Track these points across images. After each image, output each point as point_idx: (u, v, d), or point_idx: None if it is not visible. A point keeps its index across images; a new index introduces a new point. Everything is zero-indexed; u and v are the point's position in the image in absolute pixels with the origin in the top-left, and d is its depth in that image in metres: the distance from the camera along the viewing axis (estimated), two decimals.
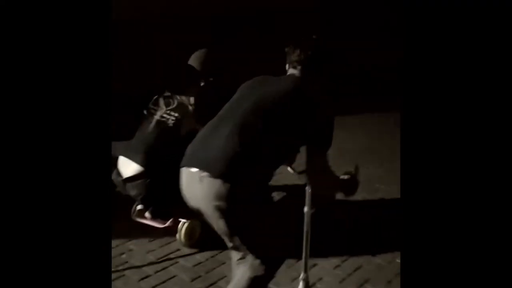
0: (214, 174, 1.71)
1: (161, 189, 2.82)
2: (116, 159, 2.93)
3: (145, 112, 3.01)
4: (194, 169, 1.79)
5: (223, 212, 1.74)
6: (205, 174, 1.74)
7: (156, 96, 3.00)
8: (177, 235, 2.95)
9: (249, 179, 1.76)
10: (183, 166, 1.86)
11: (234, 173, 1.72)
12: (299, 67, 1.97)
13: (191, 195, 1.86)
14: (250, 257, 1.85)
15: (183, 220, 2.93)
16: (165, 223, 2.96)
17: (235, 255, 1.96)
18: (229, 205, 1.71)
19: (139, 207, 3.02)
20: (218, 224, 1.81)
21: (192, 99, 2.89)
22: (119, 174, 2.91)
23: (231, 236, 1.83)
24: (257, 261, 1.83)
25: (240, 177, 1.74)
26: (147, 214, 3.02)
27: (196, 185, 1.78)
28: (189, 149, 1.90)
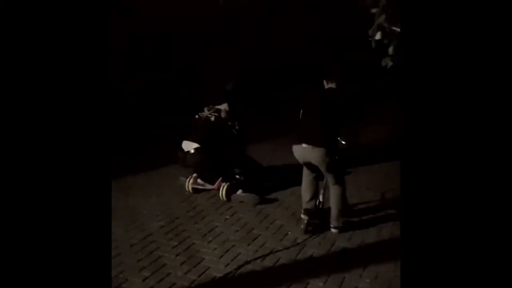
0: (318, 146, 3.74)
1: (209, 161, 4.66)
2: (181, 142, 4.79)
3: (197, 116, 4.88)
4: (306, 145, 3.78)
5: (325, 161, 3.75)
6: (312, 146, 3.75)
7: (203, 107, 4.95)
8: (220, 193, 4.63)
9: (331, 146, 3.76)
10: (298, 144, 3.83)
11: (325, 144, 3.72)
12: (334, 83, 3.97)
13: (306, 158, 3.85)
14: (334, 180, 3.92)
15: (223, 184, 4.66)
16: (212, 186, 4.74)
17: (313, 175, 4.05)
18: (327, 158, 3.73)
19: (194, 175, 4.77)
20: (322, 167, 3.82)
21: (225, 105, 4.78)
22: (183, 150, 4.73)
23: (327, 171, 3.85)
24: (338, 182, 3.92)
25: (327, 146, 3.73)
26: (199, 180, 4.80)
27: (309, 152, 3.78)
28: (298, 136, 3.85)
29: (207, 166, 4.68)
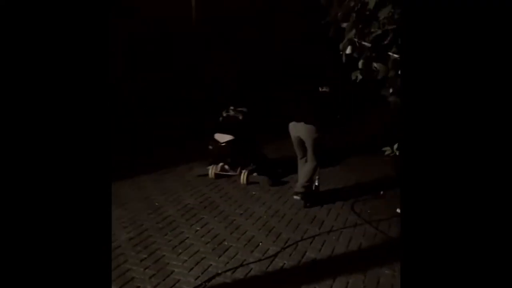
0: (309, 124, 4.64)
1: (237, 151, 5.69)
2: (213, 135, 5.81)
3: (225, 114, 5.96)
4: (300, 122, 4.70)
5: (311, 137, 4.64)
6: (304, 123, 4.65)
7: (229, 107, 6.06)
8: (241, 178, 5.57)
9: (318, 127, 4.62)
10: (293, 122, 4.78)
11: (314, 124, 4.60)
12: (326, 88, 4.81)
13: (298, 132, 4.76)
14: (312, 157, 4.76)
15: (243, 170, 5.63)
16: (235, 172, 5.74)
17: (303, 159, 4.98)
18: (313, 135, 4.63)
19: (220, 164, 5.77)
20: (308, 141, 4.71)
21: (245, 108, 6.02)
22: (216, 141, 5.72)
23: (310, 146, 4.72)
24: (314, 159, 4.77)
25: (316, 126, 4.61)
26: (226, 167, 5.78)
27: (301, 127, 4.68)
28: (296, 116, 4.77)
29: (235, 155, 5.73)
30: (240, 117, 5.81)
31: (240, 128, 5.74)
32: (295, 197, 4.86)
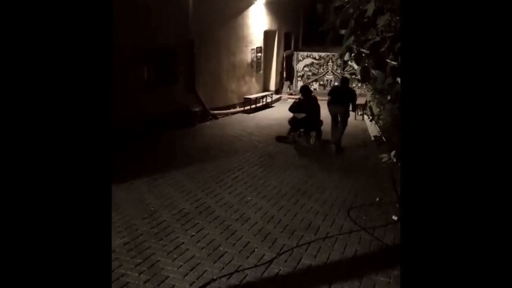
0: (342, 106, 8.39)
1: (308, 122, 8.68)
2: (294, 114, 8.82)
3: (298, 100, 9.15)
4: (337, 105, 8.35)
5: (342, 113, 8.36)
6: (340, 105, 8.34)
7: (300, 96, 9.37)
8: (310, 140, 8.70)
9: (347, 108, 8.42)
10: (333, 105, 8.39)
11: (344, 105, 8.35)
12: (344, 84, 8.78)
13: (336, 111, 8.37)
14: (342, 123, 8.37)
15: (312, 134, 8.77)
16: (308, 139, 8.78)
17: (336, 126, 8.45)
18: (344, 111, 8.37)
19: (302, 129, 8.85)
20: (341, 116, 8.35)
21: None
22: (295, 117, 8.69)
23: (342, 117, 8.34)
24: (344, 126, 8.37)
25: (345, 106, 8.36)
26: (301, 131, 8.84)
27: (338, 108, 8.32)
28: (333, 101, 8.36)
29: (307, 126, 8.75)
30: (309, 103, 8.76)
31: (309, 110, 8.67)
32: (332, 145, 8.12)
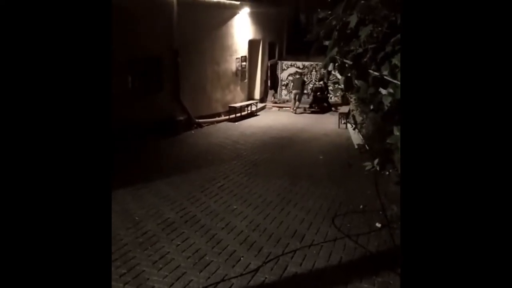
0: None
1: (319, 100, 15.42)
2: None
3: (314, 86, 16.00)
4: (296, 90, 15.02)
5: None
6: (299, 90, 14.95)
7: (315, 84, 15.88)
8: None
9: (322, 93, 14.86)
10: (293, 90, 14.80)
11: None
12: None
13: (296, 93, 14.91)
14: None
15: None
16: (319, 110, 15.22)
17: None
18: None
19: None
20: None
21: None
22: (315, 96, 15.45)
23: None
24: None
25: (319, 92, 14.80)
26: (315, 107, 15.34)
27: (299, 91, 15.05)
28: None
29: (320, 102, 14.68)
30: (321, 86, 14.48)
31: (321, 91, 14.48)
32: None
